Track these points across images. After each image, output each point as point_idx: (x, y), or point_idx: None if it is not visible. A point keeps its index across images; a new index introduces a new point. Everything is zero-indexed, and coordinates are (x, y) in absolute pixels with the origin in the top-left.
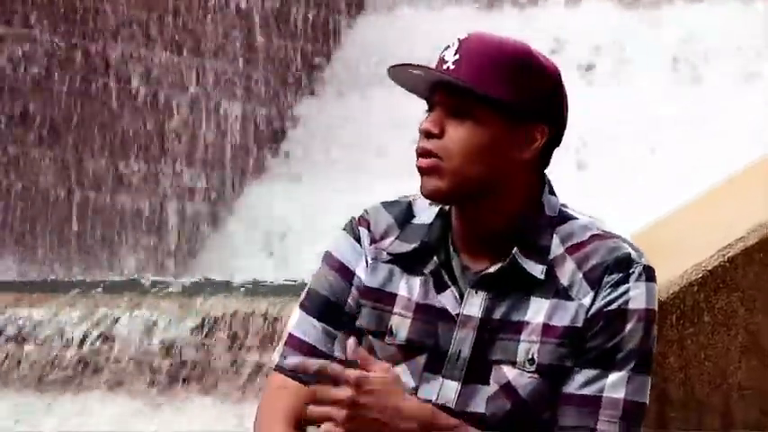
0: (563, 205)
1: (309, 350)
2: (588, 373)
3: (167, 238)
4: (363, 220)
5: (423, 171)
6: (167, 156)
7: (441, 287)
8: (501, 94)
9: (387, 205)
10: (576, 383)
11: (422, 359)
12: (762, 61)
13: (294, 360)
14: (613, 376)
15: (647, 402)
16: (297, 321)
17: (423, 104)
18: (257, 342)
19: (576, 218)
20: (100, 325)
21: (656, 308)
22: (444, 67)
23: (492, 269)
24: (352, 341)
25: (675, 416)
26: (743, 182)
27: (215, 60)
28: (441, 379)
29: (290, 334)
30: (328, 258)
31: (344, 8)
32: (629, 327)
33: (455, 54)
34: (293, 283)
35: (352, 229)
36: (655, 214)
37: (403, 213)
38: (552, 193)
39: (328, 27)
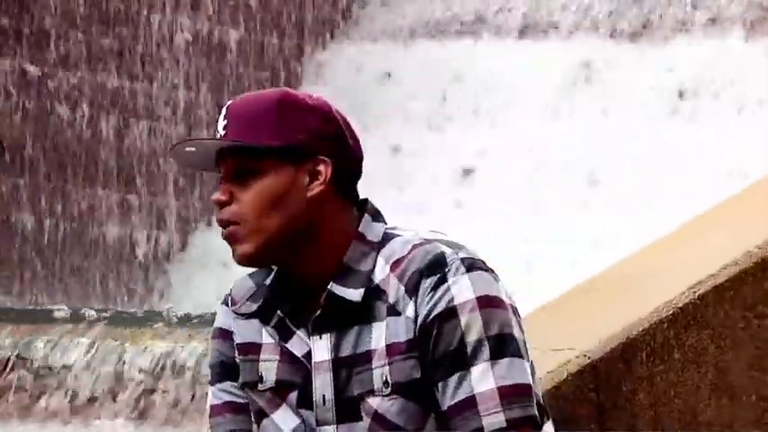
0: (390, 228)
1: (231, 407)
2: (452, 381)
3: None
4: (230, 290)
5: (227, 240)
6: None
7: (287, 336)
8: (269, 141)
9: (252, 274)
10: (448, 396)
11: (294, 396)
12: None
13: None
14: (475, 372)
15: (529, 381)
16: (211, 395)
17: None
18: None
19: (400, 235)
20: None
21: (493, 292)
22: (218, 136)
23: (317, 313)
24: None
25: None
26: (714, 218)
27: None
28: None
29: (211, 408)
30: (213, 332)
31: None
32: (463, 321)
33: (224, 120)
34: None
35: (225, 299)
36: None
37: (262, 276)
38: (377, 219)
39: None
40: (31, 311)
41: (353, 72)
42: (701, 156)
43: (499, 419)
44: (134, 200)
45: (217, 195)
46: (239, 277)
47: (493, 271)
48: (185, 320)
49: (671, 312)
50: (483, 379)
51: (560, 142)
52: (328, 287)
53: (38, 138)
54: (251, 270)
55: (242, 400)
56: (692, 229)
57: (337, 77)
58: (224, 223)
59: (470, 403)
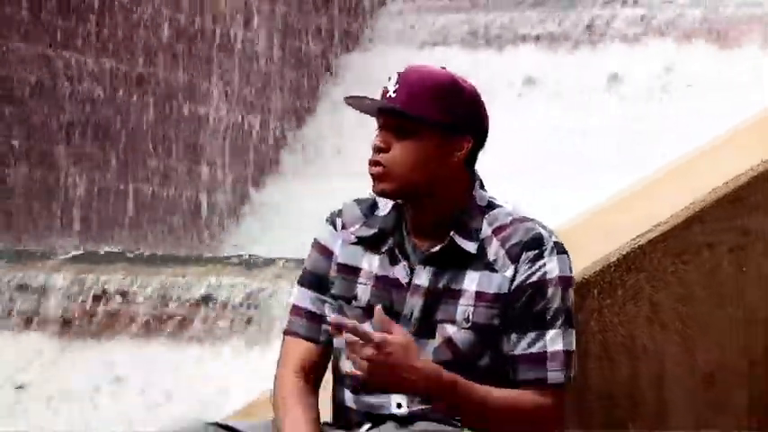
0: (491, 197)
1: (307, 314)
2: (530, 335)
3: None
4: (339, 212)
5: (374, 177)
6: None
7: (394, 262)
8: (432, 114)
9: (358, 201)
10: (522, 345)
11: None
12: None
13: (333, 317)
14: (550, 333)
15: (575, 349)
16: (296, 294)
17: None
18: None
19: (501, 206)
20: None
21: (570, 273)
22: (387, 96)
23: (435, 248)
24: (378, 309)
25: (593, 367)
26: (654, 185)
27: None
28: None
29: (293, 305)
30: (315, 243)
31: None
32: (550, 292)
33: (395, 85)
34: None
35: (331, 219)
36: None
37: (369, 206)
38: (482, 187)
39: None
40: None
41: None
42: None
43: (559, 377)
44: (198, 168)
45: (377, 142)
46: (347, 201)
47: (568, 252)
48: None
49: (616, 258)
50: (555, 341)
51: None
52: (450, 235)
53: (123, 123)
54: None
55: (318, 312)
56: (636, 194)
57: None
58: (377, 163)
59: (542, 358)
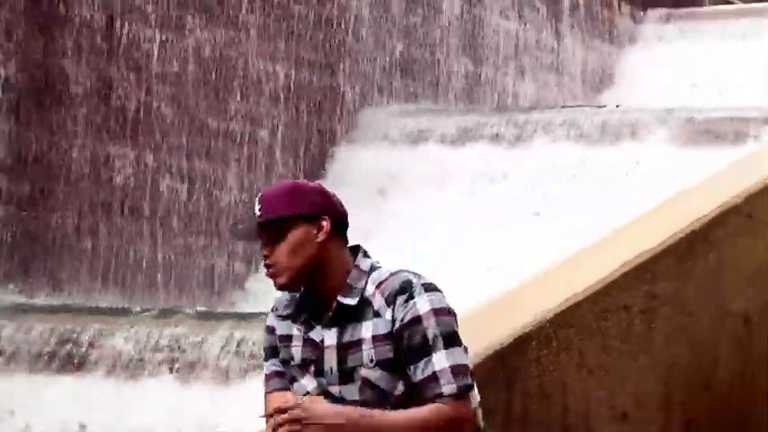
0: (375, 262)
1: (276, 373)
2: (420, 364)
3: None
4: (276, 302)
5: (271, 277)
6: None
7: (309, 328)
8: (287, 212)
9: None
10: (418, 373)
11: (312, 369)
12: None
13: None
14: (435, 357)
15: (467, 362)
16: (265, 368)
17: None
18: None
19: (381, 267)
20: None
21: (441, 305)
22: (257, 217)
23: (330, 313)
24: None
25: (533, 404)
26: (585, 256)
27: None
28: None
29: (265, 375)
30: (265, 327)
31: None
32: (425, 324)
33: (258, 205)
34: None
35: (272, 307)
36: None
37: (293, 293)
38: (366, 256)
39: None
40: None
41: None
42: None
43: (453, 388)
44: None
45: (264, 254)
46: (280, 294)
47: (441, 291)
48: None
49: (551, 316)
50: (441, 361)
51: None
52: (337, 298)
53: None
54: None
55: (281, 369)
56: (568, 262)
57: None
58: (268, 268)
59: (434, 377)
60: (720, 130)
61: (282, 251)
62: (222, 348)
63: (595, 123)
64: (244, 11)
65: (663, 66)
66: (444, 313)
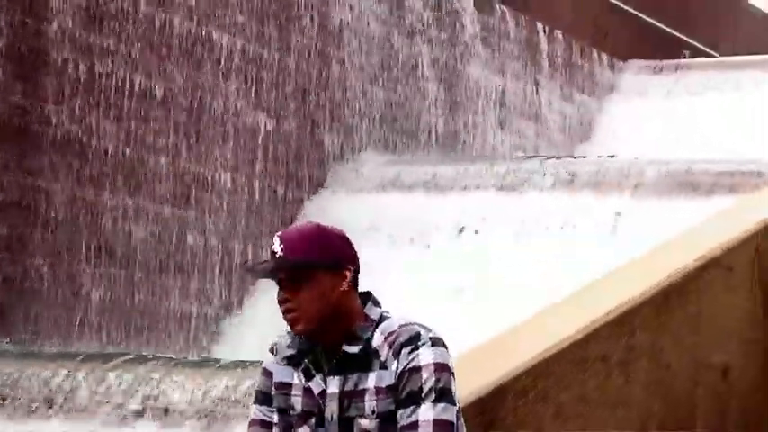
0: (384, 311)
1: (261, 423)
2: (408, 410)
3: None
4: (275, 343)
5: (289, 322)
6: None
7: (309, 377)
8: (315, 258)
9: (288, 332)
10: (404, 419)
11: (312, 421)
12: None
13: None
14: (423, 407)
15: (453, 419)
16: (252, 411)
17: None
18: None
19: (391, 317)
20: None
21: (444, 360)
22: (276, 256)
23: (334, 362)
24: None
25: None
26: (563, 307)
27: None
28: None
29: (251, 419)
30: (261, 369)
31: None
32: (424, 375)
33: (280, 245)
34: None
35: (271, 348)
36: None
37: (294, 334)
38: (377, 304)
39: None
40: None
41: None
42: None
43: None
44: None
45: (281, 298)
46: (282, 333)
47: (447, 347)
48: None
49: (524, 369)
50: (426, 412)
51: None
52: (342, 347)
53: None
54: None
55: (269, 419)
56: (546, 312)
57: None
58: (289, 312)
59: (414, 426)
60: (700, 181)
61: (306, 297)
62: (203, 394)
63: (571, 173)
64: (225, 59)
65: (642, 117)
66: (445, 369)
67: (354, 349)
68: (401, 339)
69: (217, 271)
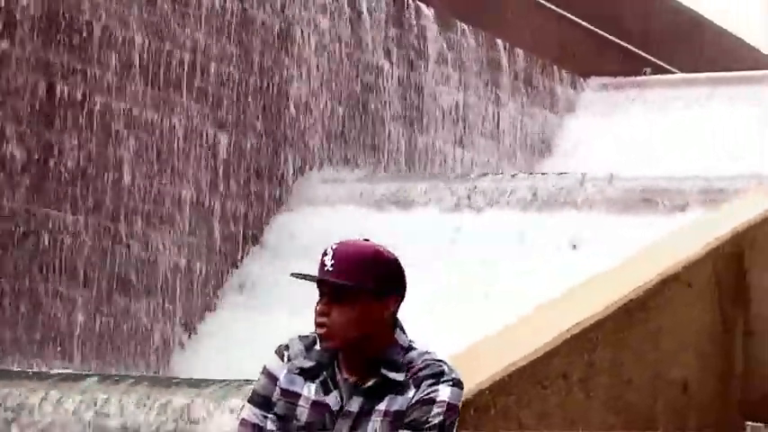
0: (411, 340)
1: (254, 427)
2: None
3: None
4: (286, 347)
5: (320, 336)
6: None
7: (327, 391)
8: (362, 282)
9: (301, 337)
10: None
11: None
12: None
13: None
14: None
15: None
16: (245, 410)
17: None
18: None
19: (416, 348)
20: None
21: (457, 403)
22: (325, 269)
23: (370, 383)
24: None
25: None
26: (524, 324)
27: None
28: None
29: (242, 419)
30: (264, 370)
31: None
32: (435, 410)
33: (332, 259)
34: None
35: (280, 351)
36: None
37: (310, 342)
38: (403, 331)
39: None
40: None
41: None
42: None
43: None
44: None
45: (320, 308)
46: (292, 337)
47: (463, 389)
48: None
49: (486, 386)
50: None
51: None
52: (382, 371)
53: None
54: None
55: (261, 425)
56: (508, 329)
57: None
58: (321, 325)
59: None
60: (659, 198)
61: (343, 317)
62: (161, 412)
63: (533, 190)
64: (186, 76)
65: (602, 134)
66: (456, 412)
67: (399, 376)
68: (426, 372)
69: (178, 289)
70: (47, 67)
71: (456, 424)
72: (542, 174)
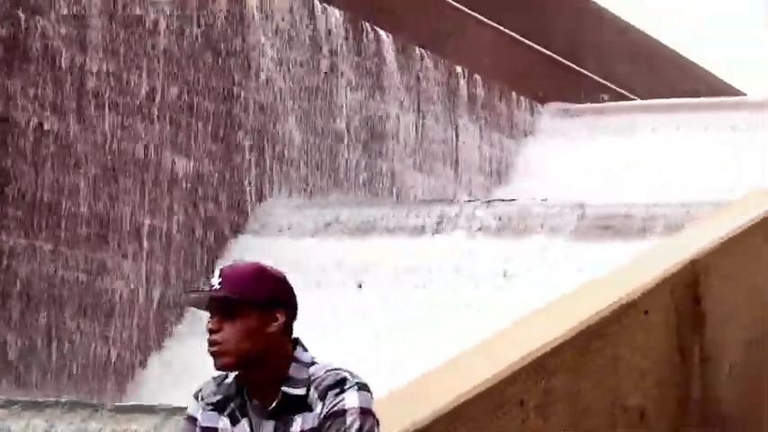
0: (312, 357)
1: None
2: None
3: None
4: (200, 389)
5: (213, 355)
6: None
7: (235, 421)
8: (248, 295)
9: (214, 378)
10: None
11: None
12: None
13: None
14: None
15: None
16: None
17: None
18: None
19: (318, 362)
20: None
21: (369, 406)
22: (213, 289)
23: (273, 405)
24: None
25: None
26: (480, 351)
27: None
28: None
29: None
30: (185, 415)
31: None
32: (348, 420)
33: (218, 278)
34: None
35: (195, 394)
36: None
37: (221, 379)
38: (304, 349)
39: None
40: None
41: None
42: None
43: None
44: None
45: (211, 326)
46: (207, 379)
47: (372, 393)
48: None
49: (441, 414)
50: None
51: None
52: (282, 389)
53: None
54: (216, 374)
55: None
56: (464, 355)
57: None
58: (213, 343)
59: None
60: (616, 224)
61: (231, 332)
62: None
63: (493, 215)
64: (147, 102)
65: (559, 159)
66: (370, 414)
67: (299, 391)
68: (327, 382)
69: (136, 315)
70: (4, 92)
71: (377, 427)
72: (499, 200)
